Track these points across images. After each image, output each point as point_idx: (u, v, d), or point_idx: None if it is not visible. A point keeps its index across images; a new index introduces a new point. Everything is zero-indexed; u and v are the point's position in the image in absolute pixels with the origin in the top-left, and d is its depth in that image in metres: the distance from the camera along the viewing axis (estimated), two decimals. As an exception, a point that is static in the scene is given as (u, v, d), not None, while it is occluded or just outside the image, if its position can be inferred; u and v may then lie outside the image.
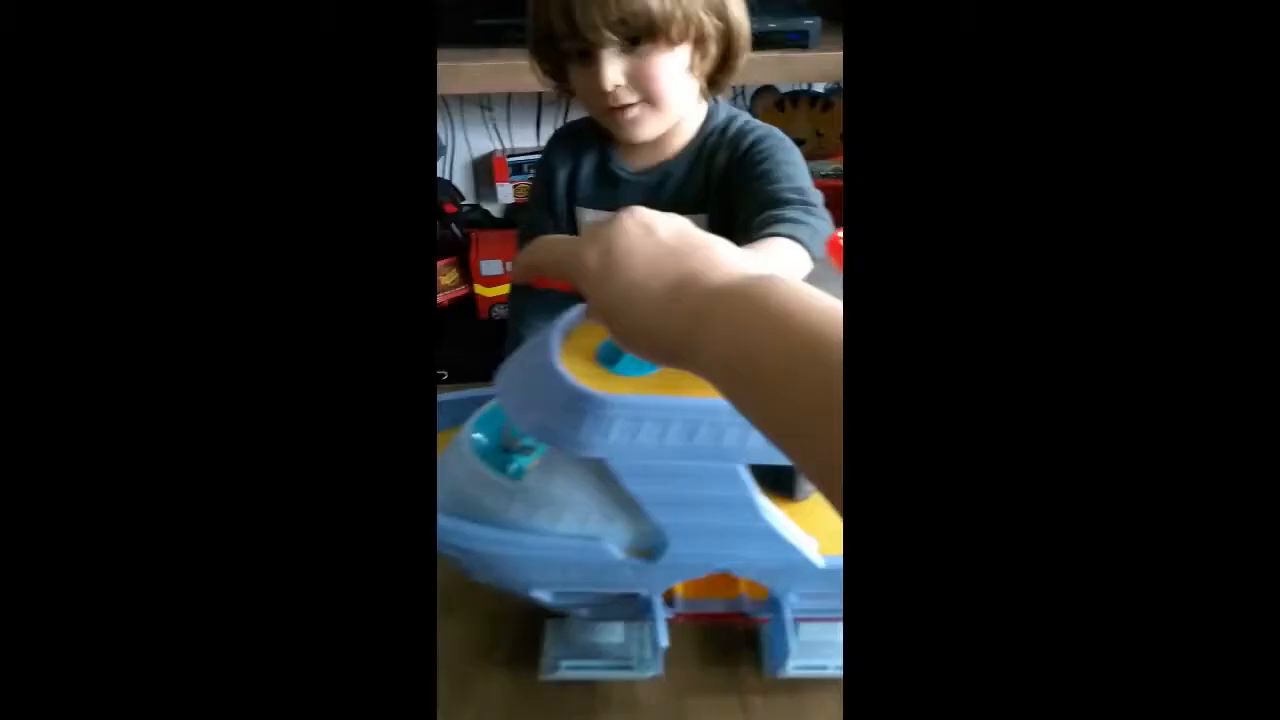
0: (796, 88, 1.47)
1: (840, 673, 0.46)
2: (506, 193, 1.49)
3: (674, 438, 0.35)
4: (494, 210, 1.52)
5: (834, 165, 1.42)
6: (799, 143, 1.62)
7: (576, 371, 0.37)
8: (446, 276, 1.42)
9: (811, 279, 0.37)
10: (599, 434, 0.35)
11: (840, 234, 0.34)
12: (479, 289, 1.39)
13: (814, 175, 1.55)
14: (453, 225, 1.43)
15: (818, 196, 0.57)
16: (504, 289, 1.37)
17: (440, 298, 1.41)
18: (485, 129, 1.50)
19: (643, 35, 0.54)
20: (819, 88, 1.47)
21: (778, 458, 0.36)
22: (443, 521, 0.40)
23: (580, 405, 0.35)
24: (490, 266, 1.37)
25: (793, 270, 0.41)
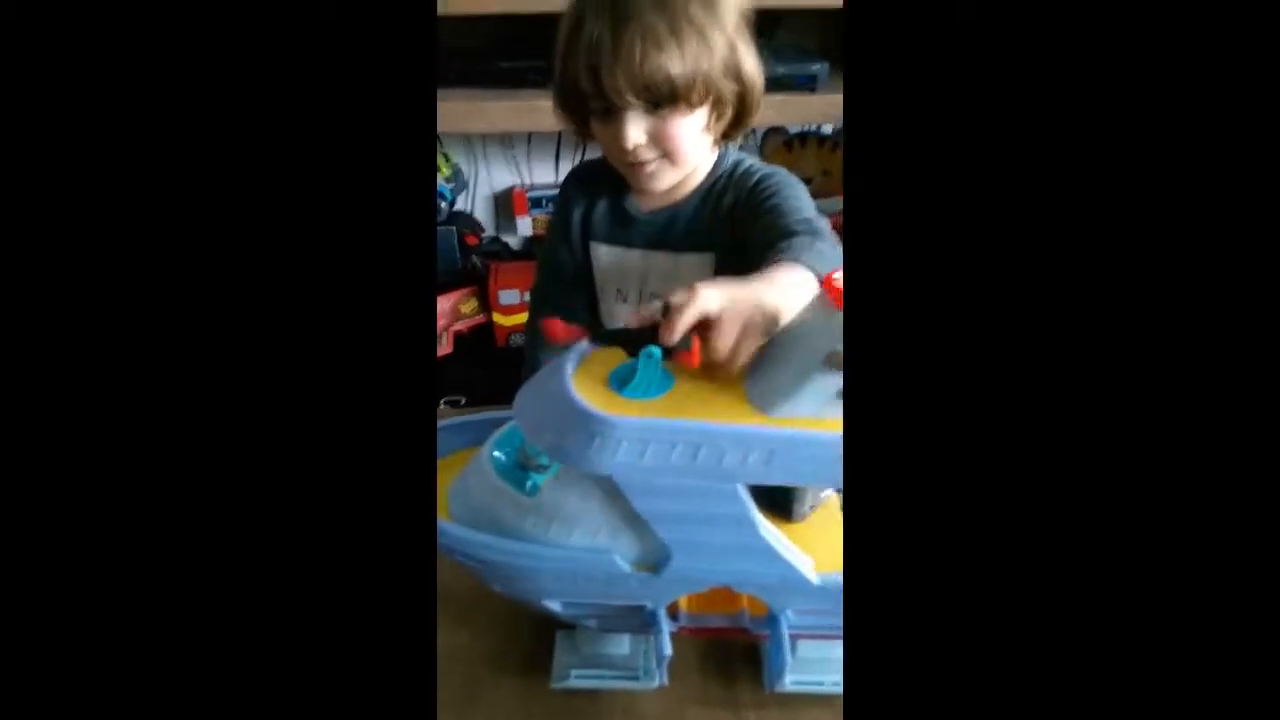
0: (805, 128, 1.52)
1: (835, 689, 0.49)
2: (526, 225, 1.54)
3: (677, 458, 0.38)
4: (513, 242, 1.57)
5: (838, 203, 1.46)
6: (806, 181, 1.66)
7: (589, 395, 0.40)
8: (467, 305, 1.47)
9: (810, 317, 0.40)
10: (608, 453, 0.38)
11: (835, 275, 0.38)
12: (497, 317, 1.43)
13: (822, 213, 1.58)
14: (474, 257, 1.48)
15: (825, 225, 0.60)
16: (521, 317, 1.41)
17: (460, 325, 1.45)
18: (506, 165, 1.55)
19: (664, 101, 0.58)
20: (827, 129, 1.52)
21: (773, 479, 0.39)
22: (463, 533, 0.43)
23: (591, 426, 0.38)
24: (508, 296, 1.41)
25: (798, 294, 0.44)
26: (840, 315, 0.36)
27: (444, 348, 1.44)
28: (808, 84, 1.25)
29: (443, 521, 0.44)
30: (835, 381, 0.38)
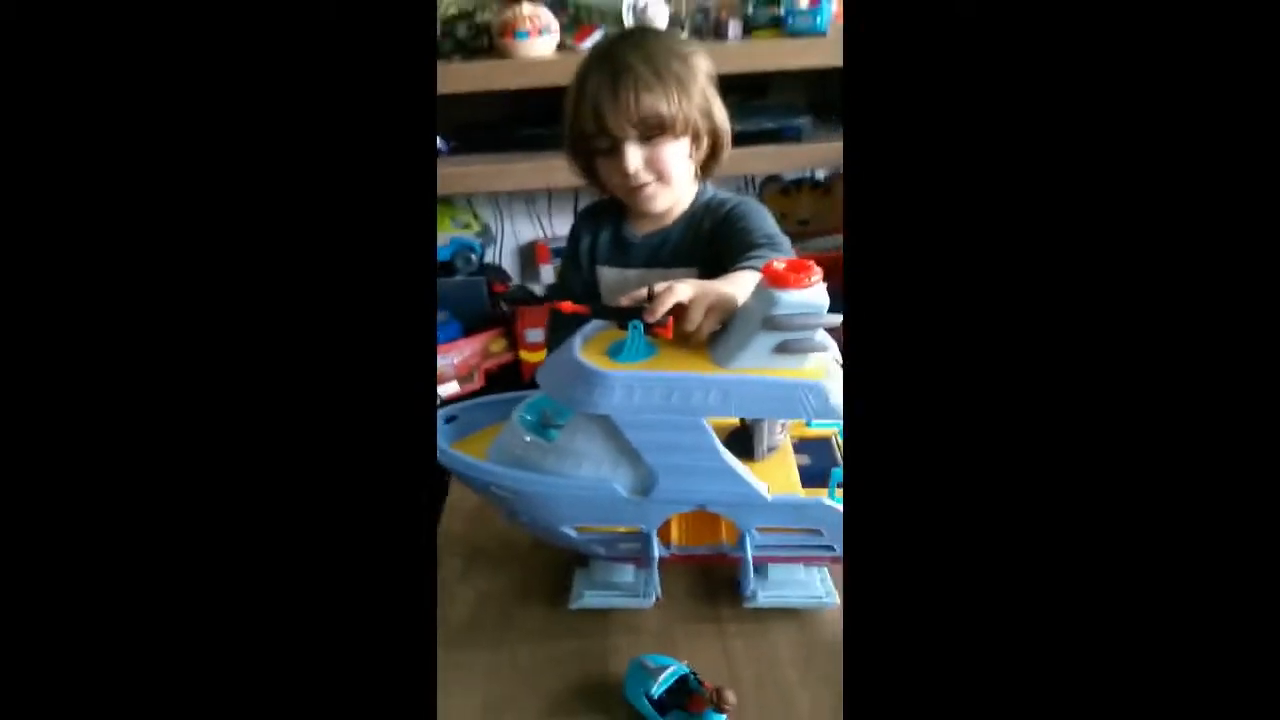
0: (800, 175, 1.68)
1: (799, 603, 0.60)
2: (548, 273, 1.71)
3: (657, 398, 0.51)
4: (537, 289, 1.73)
5: (833, 240, 1.61)
6: (803, 223, 1.80)
7: (592, 360, 0.53)
8: (496, 345, 1.62)
9: (753, 298, 0.53)
10: (605, 397, 0.51)
11: (773, 262, 0.51)
12: (524, 354, 1.58)
13: (814, 250, 1.73)
14: (501, 303, 1.64)
15: (785, 241, 0.74)
16: (544, 354, 1.55)
17: (489, 363, 1.60)
18: (530, 220, 1.73)
19: (655, 131, 0.74)
20: (820, 175, 1.68)
21: (729, 412, 0.52)
22: (501, 470, 0.56)
23: (593, 379, 0.52)
24: (534, 335, 1.56)
25: (751, 288, 0.56)
26: (772, 290, 0.50)
27: (476, 384, 1.59)
28: (794, 135, 1.41)
29: (485, 462, 0.57)
30: (771, 340, 0.51)
